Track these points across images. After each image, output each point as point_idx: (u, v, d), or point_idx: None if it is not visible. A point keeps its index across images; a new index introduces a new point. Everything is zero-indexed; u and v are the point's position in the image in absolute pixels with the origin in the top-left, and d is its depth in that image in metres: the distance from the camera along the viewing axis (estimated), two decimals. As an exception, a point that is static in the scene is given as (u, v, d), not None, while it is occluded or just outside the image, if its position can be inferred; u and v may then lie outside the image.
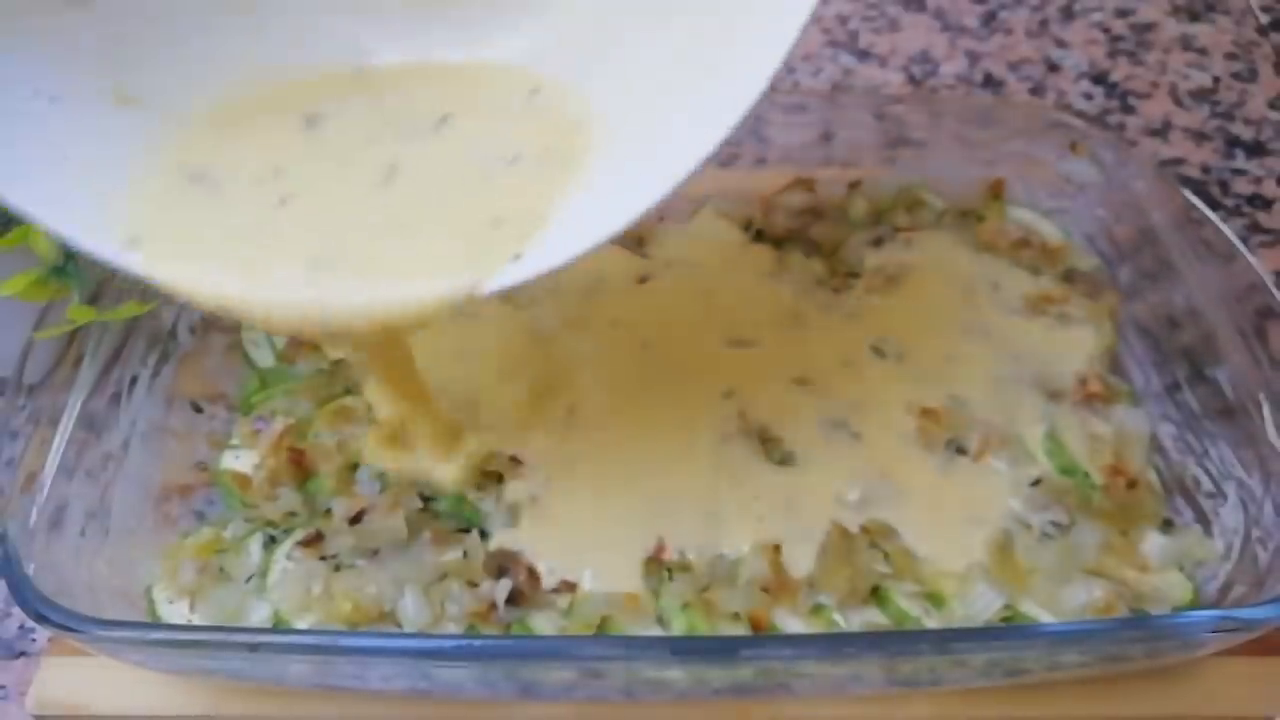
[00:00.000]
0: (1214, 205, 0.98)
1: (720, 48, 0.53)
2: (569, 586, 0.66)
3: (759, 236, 0.87)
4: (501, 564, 0.66)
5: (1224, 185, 1.02)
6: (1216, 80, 1.13)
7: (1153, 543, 0.68)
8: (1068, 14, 1.21)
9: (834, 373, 0.76)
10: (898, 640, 0.61)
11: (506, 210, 0.56)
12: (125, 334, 0.73)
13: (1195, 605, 0.66)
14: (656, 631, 0.64)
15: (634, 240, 0.86)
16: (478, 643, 0.61)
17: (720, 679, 0.61)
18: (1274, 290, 0.71)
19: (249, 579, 0.67)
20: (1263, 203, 1.00)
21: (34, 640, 0.72)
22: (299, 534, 0.68)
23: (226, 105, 0.61)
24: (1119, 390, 0.77)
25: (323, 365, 0.78)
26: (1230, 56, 1.16)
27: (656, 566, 0.67)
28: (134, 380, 0.73)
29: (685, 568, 0.66)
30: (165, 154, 0.59)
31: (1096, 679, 0.65)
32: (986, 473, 0.71)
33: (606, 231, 0.51)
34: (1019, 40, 1.18)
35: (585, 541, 0.67)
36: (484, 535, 0.68)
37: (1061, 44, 1.18)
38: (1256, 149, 1.05)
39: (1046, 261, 0.84)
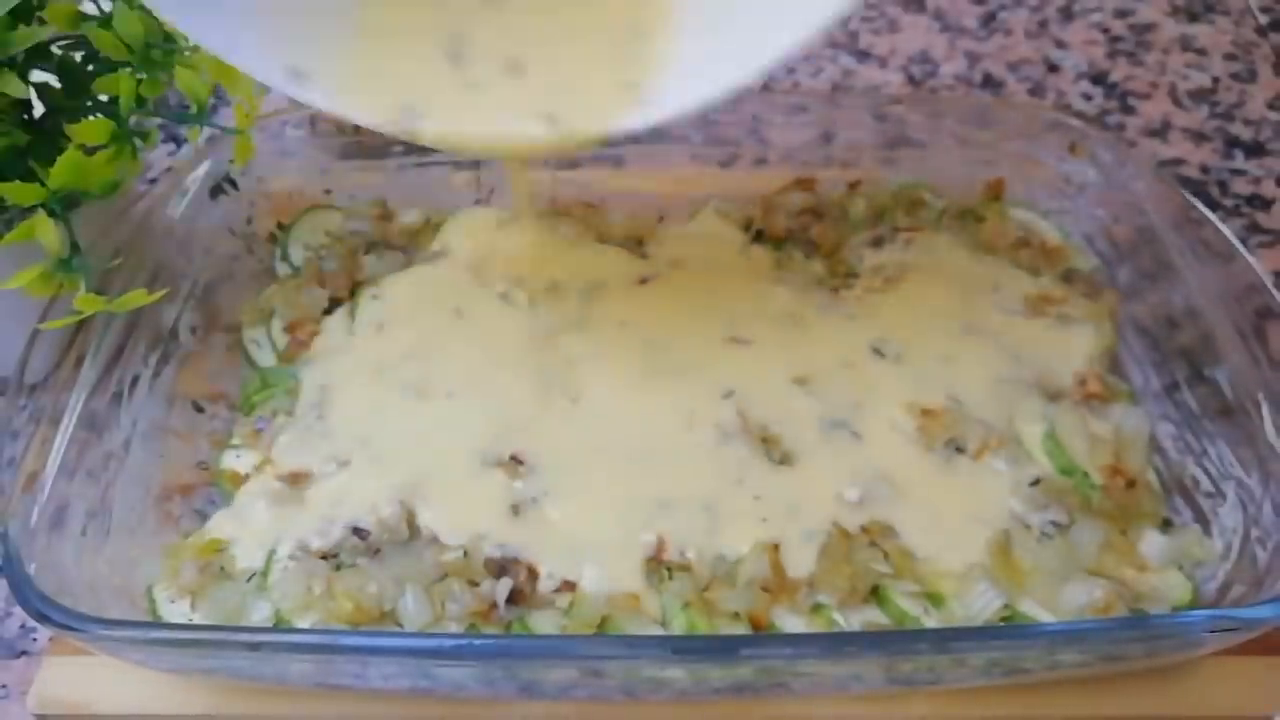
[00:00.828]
0: (1213, 205, 0.98)
1: None
2: (569, 586, 0.66)
3: (759, 237, 0.87)
4: (502, 563, 0.66)
5: (1223, 185, 1.02)
6: (1216, 81, 1.13)
7: (1152, 542, 0.68)
8: (1067, 14, 1.22)
9: (834, 373, 0.76)
10: (897, 639, 0.61)
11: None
12: (126, 334, 0.73)
13: (1194, 605, 0.66)
14: (657, 631, 0.65)
15: (634, 241, 0.86)
16: (478, 642, 0.61)
17: (720, 678, 0.61)
18: (1273, 290, 0.71)
19: (250, 578, 0.67)
20: (1262, 203, 1.00)
21: (35, 640, 0.72)
22: (300, 534, 0.68)
23: None
24: (1118, 390, 0.77)
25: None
26: (1229, 57, 1.16)
27: (657, 566, 0.67)
28: (135, 380, 0.73)
29: (685, 567, 0.66)
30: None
31: (1096, 678, 0.65)
32: (986, 473, 0.71)
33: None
34: (1018, 41, 1.18)
35: (585, 541, 0.67)
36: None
37: (1061, 44, 1.18)
38: (1255, 149, 1.05)
39: (1046, 262, 0.84)
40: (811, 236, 0.86)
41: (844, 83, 1.14)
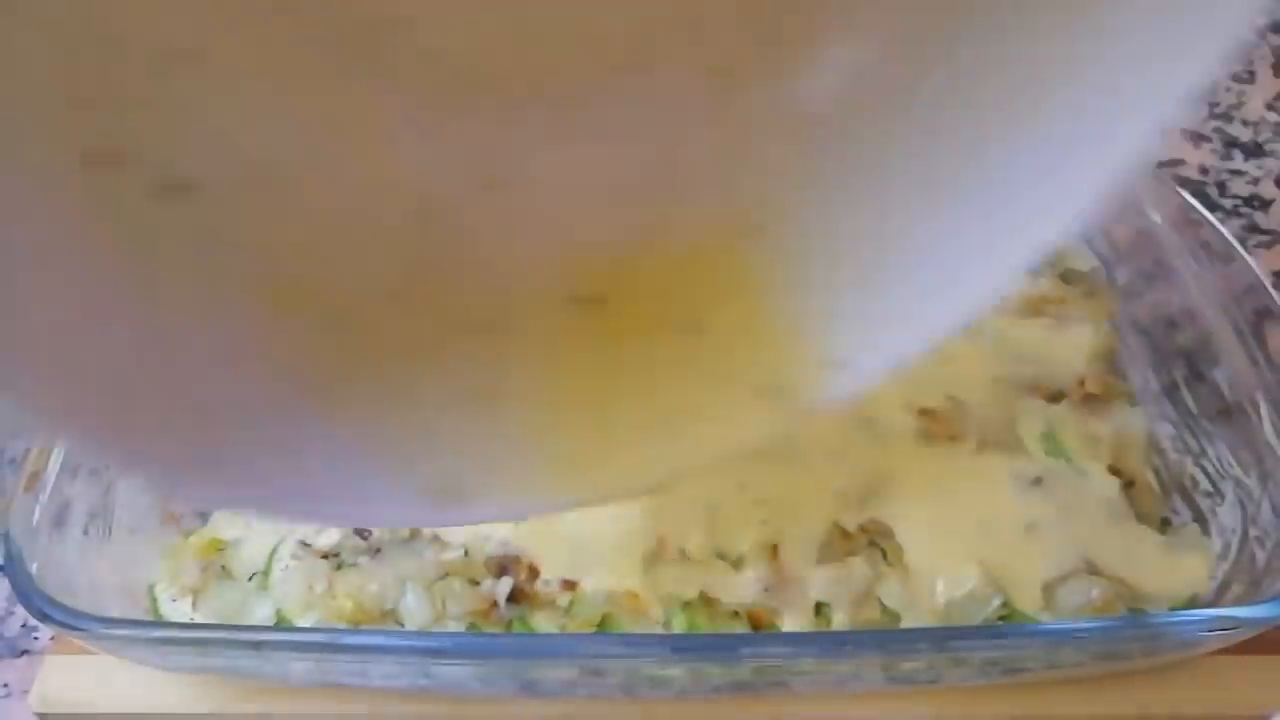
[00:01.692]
0: (1212, 206, 0.98)
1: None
2: (569, 585, 0.66)
3: (759, 237, 0.87)
4: (502, 563, 0.67)
5: (1222, 186, 1.02)
6: (1214, 81, 1.13)
7: (1151, 542, 0.68)
8: (1067, 15, 1.22)
9: (833, 373, 0.76)
10: (896, 639, 0.61)
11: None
12: (128, 333, 0.73)
13: (1193, 604, 0.66)
14: (657, 630, 0.65)
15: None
16: (479, 640, 0.61)
17: (720, 677, 0.62)
18: (1272, 291, 0.72)
19: (251, 577, 0.67)
20: (1261, 203, 1.00)
21: (37, 639, 0.72)
22: (301, 532, 0.68)
23: None
24: (1117, 390, 0.77)
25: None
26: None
27: (657, 565, 0.67)
28: (137, 379, 0.73)
29: (685, 567, 0.66)
30: None
31: (1094, 677, 0.65)
32: (985, 472, 0.71)
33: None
34: (1018, 41, 1.18)
35: (586, 540, 0.68)
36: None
37: (1060, 45, 1.18)
38: (1255, 150, 1.05)
39: (1044, 262, 0.84)
40: (811, 237, 0.86)
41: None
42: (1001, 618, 0.65)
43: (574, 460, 0.46)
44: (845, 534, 0.67)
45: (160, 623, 0.65)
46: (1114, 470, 0.71)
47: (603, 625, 0.65)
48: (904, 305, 0.48)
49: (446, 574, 0.66)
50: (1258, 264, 0.74)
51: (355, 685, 0.63)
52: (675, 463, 0.48)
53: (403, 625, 0.65)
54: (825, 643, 0.60)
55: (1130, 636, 0.60)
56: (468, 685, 0.62)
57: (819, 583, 0.66)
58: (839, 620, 0.65)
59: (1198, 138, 1.06)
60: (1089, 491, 0.70)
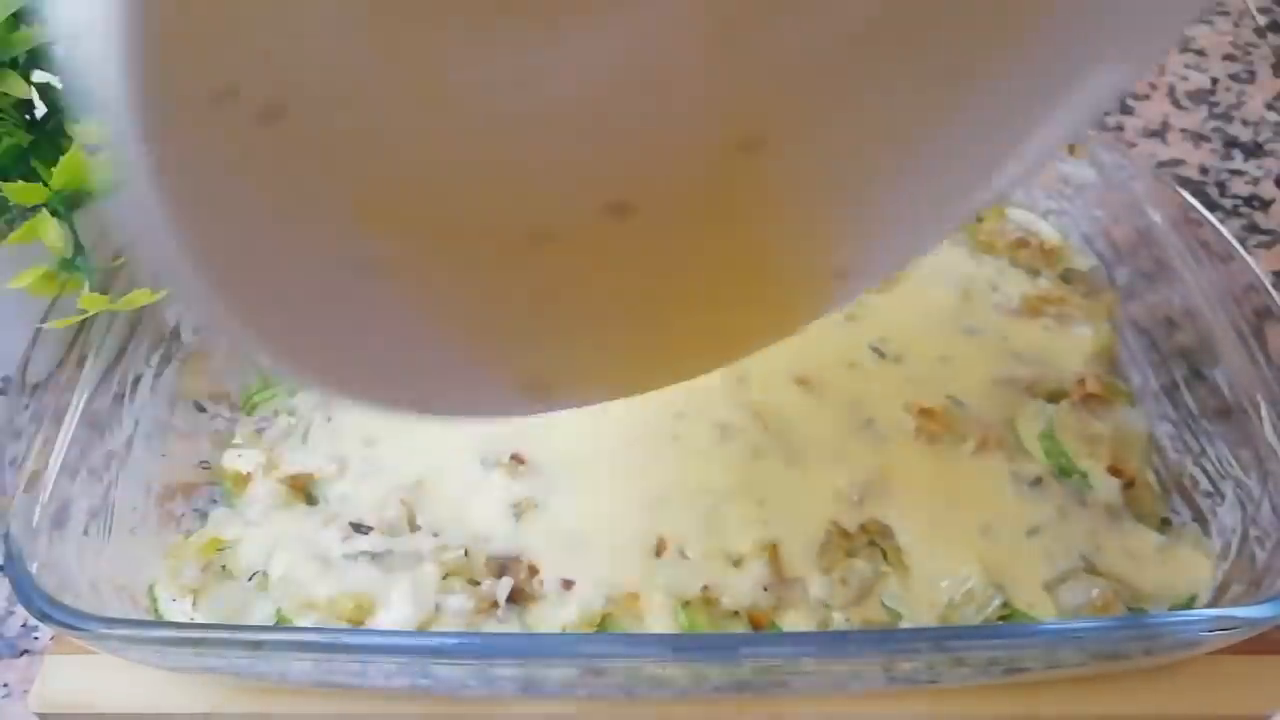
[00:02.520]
0: (1212, 206, 0.98)
1: None
2: (569, 585, 0.66)
3: (759, 237, 0.87)
4: (502, 563, 0.67)
5: (1222, 186, 1.02)
6: (1215, 81, 1.13)
7: (1150, 542, 0.68)
8: (1067, 15, 1.21)
9: (835, 373, 0.77)
10: (896, 638, 0.61)
11: None
12: (129, 333, 0.73)
13: (1193, 604, 0.66)
14: (657, 630, 0.65)
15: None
16: (479, 640, 0.61)
17: (720, 676, 0.62)
18: (1272, 291, 0.72)
19: (251, 577, 0.67)
20: (1261, 203, 1.00)
21: (37, 638, 0.72)
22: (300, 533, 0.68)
23: None
24: (1117, 390, 0.77)
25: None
26: (1228, 58, 1.16)
27: (656, 565, 0.67)
28: (137, 379, 0.73)
29: (685, 567, 0.66)
30: None
31: (1094, 677, 0.65)
32: (985, 472, 0.71)
33: None
34: (1018, 41, 1.18)
35: (586, 540, 0.68)
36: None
37: (1060, 45, 1.18)
38: (1255, 150, 1.05)
39: (1044, 262, 0.84)
40: (811, 237, 0.86)
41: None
42: (1001, 618, 0.65)
43: (639, 351, 0.55)
44: (845, 534, 0.67)
45: (160, 622, 0.65)
46: (1114, 470, 0.71)
47: (603, 625, 0.65)
48: (901, 211, 0.53)
49: (447, 574, 0.66)
50: (1257, 264, 0.74)
51: (355, 686, 0.63)
52: (719, 354, 0.59)
53: (402, 625, 0.64)
54: (825, 642, 0.60)
55: (1130, 636, 0.60)
56: (467, 685, 0.62)
57: (819, 583, 0.66)
58: (839, 620, 0.65)
59: (1198, 137, 1.06)
60: (1089, 492, 0.71)
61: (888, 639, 0.60)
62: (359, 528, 0.67)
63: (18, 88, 0.68)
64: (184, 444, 0.75)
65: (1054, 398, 0.75)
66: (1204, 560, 0.68)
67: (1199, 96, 1.11)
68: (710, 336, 0.58)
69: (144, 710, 0.65)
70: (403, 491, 0.70)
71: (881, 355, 0.78)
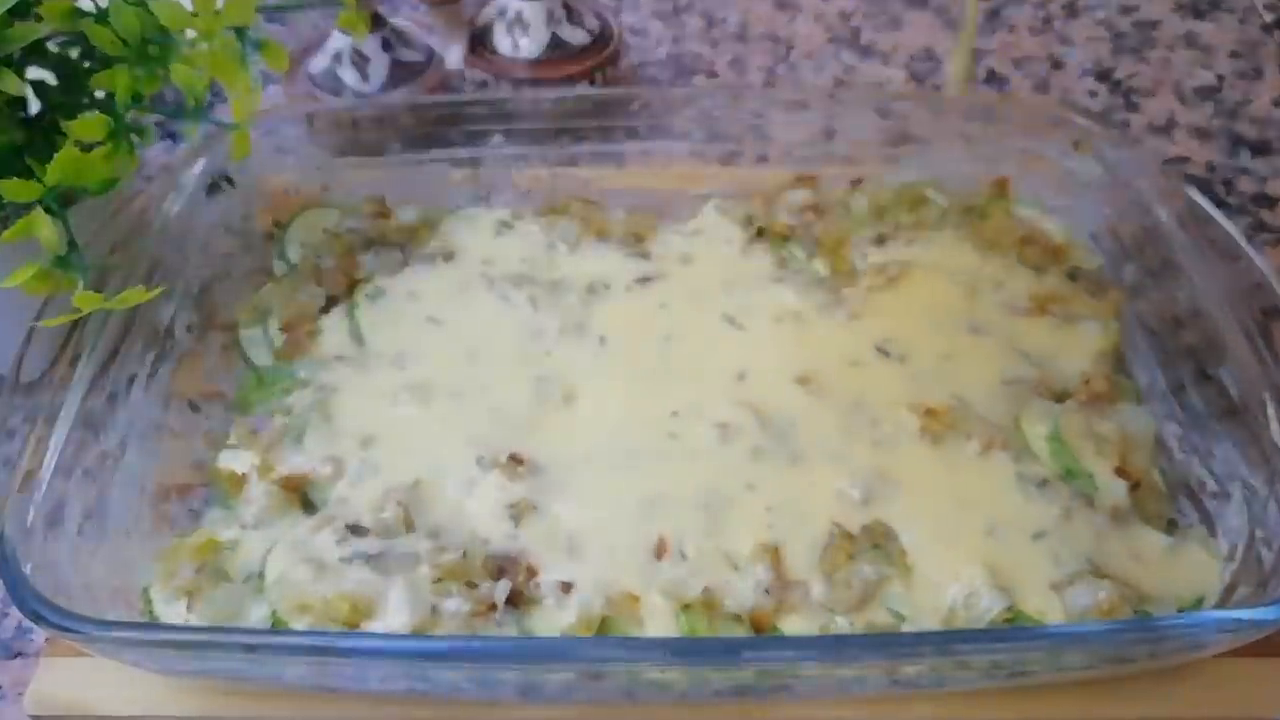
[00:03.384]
0: (1218, 203, 0.97)
1: None
2: (568, 587, 0.65)
3: (760, 234, 0.86)
4: (501, 564, 0.66)
5: (1228, 184, 1.01)
6: (1221, 78, 1.12)
7: (1157, 544, 0.68)
8: (1072, 11, 1.21)
9: (837, 372, 0.76)
10: (900, 642, 0.60)
11: None
12: (123, 332, 0.73)
13: (1199, 606, 0.65)
14: (657, 633, 0.64)
15: (634, 238, 0.86)
16: (476, 644, 0.61)
17: (721, 680, 0.61)
18: (1279, 289, 0.71)
19: (247, 579, 0.67)
20: (1267, 201, 1.00)
21: (31, 640, 0.71)
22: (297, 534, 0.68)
23: None
24: (1124, 389, 0.76)
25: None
26: (1235, 55, 1.15)
27: (657, 567, 0.66)
28: (131, 379, 0.73)
29: (686, 568, 0.66)
30: None
31: (1100, 679, 0.64)
32: (990, 473, 0.70)
33: None
34: (1023, 37, 1.18)
35: (585, 542, 0.67)
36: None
37: (1065, 41, 1.17)
38: (1261, 147, 1.05)
39: (1050, 260, 0.84)
40: (814, 234, 0.86)
41: (846, 79, 1.13)
42: (1006, 621, 0.64)
43: None
44: (848, 535, 0.67)
45: (154, 625, 0.64)
46: (1120, 471, 0.70)
47: (602, 628, 0.64)
48: None
49: (443, 576, 0.65)
50: (1264, 261, 0.73)
51: (351, 689, 0.63)
52: None
53: (398, 629, 0.64)
54: (828, 646, 0.60)
55: (1137, 639, 0.59)
56: (465, 689, 0.62)
57: (821, 585, 0.65)
58: (842, 623, 0.64)
59: (1204, 134, 1.06)
60: (1095, 493, 0.70)
61: (891, 643, 0.60)
62: (355, 529, 0.67)
63: (12, 85, 0.68)
64: (178, 444, 0.74)
65: (1060, 397, 0.75)
66: (1211, 562, 0.67)
67: (1205, 93, 1.10)
68: None
69: (139, 713, 0.64)
70: (400, 493, 0.69)
71: (885, 354, 0.77)
